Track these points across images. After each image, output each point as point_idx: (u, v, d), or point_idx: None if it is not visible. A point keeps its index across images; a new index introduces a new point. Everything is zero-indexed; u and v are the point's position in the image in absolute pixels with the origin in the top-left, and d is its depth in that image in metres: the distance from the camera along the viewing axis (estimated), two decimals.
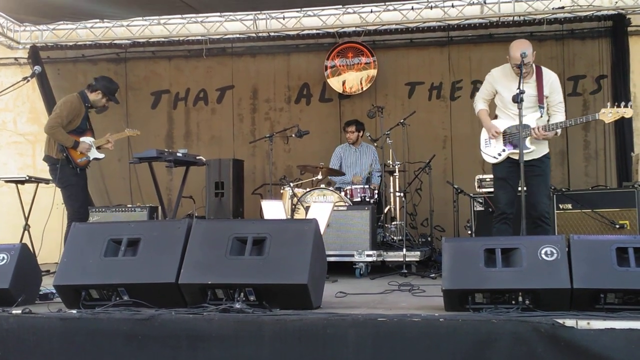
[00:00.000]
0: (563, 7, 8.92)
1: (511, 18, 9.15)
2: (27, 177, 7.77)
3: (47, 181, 7.15)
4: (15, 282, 4.34)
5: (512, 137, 5.74)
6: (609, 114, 5.55)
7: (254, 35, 9.87)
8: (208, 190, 9.07)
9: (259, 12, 9.51)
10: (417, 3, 9.18)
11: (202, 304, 3.95)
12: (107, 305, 4.03)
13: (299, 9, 9.39)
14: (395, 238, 7.58)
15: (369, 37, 9.72)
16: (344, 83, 9.74)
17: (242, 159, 9.58)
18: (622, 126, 8.71)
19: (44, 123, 7.34)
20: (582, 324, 3.38)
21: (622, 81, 8.85)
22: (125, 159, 9.53)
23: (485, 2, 9.10)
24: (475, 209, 7.42)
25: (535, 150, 5.69)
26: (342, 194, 7.45)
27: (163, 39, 10.03)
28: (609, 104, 5.66)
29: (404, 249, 6.80)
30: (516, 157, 5.60)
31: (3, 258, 4.43)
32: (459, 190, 7.81)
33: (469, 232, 7.46)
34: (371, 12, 9.39)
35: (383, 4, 9.19)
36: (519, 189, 5.53)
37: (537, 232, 5.58)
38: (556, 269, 3.79)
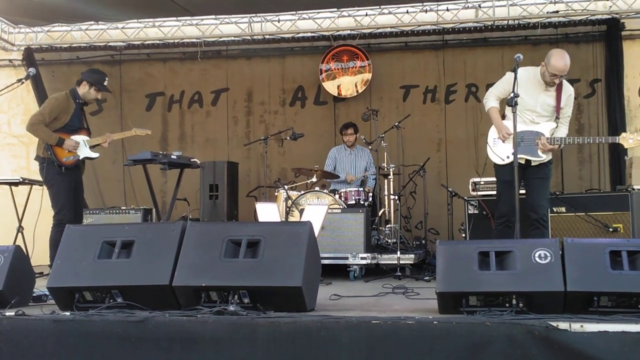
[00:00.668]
0: (557, 11, 8.95)
1: (506, 22, 9.18)
2: (21, 179, 7.75)
3: (40, 183, 7.07)
4: (8, 284, 4.32)
5: (524, 142, 5.65)
6: (629, 140, 5.57)
7: (249, 37, 9.87)
8: (202, 192, 9.07)
9: (254, 14, 9.53)
10: (412, 6, 9.20)
11: (196, 307, 3.95)
12: (100, 307, 4.03)
13: (294, 12, 9.40)
14: (389, 241, 7.59)
15: (364, 40, 9.74)
16: (339, 87, 9.75)
17: (237, 161, 9.58)
18: (616, 130, 8.72)
19: None
20: (576, 326, 3.39)
21: (616, 85, 8.89)
22: (119, 161, 9.53)
23: (479, 6, 9.13)
24: (469, 212, 7.42)
25: (544, 158, 5.71)
26: (337, 196, 7.46)
27: (158, 41, 10.02)
28: (628, 131, 5.65)
29: (398, 252, 6.81)
30: (522, 162, 5.64)
31: None
32: (453, 194, 7.82)
33: (463, 235, 7.47)
34: (366, 15, 9.41)
35: (378, 7, 9.21)
36: (521, 191, 5.55)
37: (535, 234, 5.57)
38: (550, 272, 3.80)
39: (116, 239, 4.30)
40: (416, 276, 6.66)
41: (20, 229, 7.64)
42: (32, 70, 6.49)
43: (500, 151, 5.80)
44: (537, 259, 3.86)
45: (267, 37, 9.86)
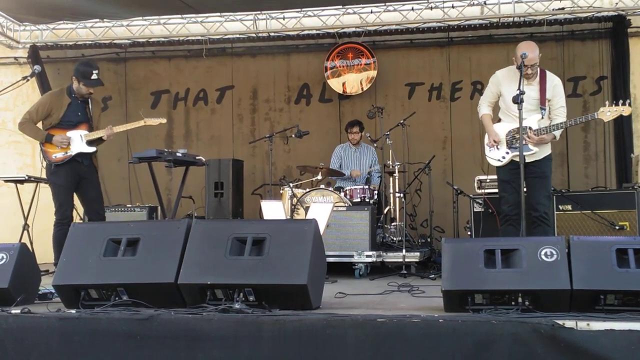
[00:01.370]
0: (563, 8, 8.92)
1: (511, 19, 9.15)
2: (27, 177, 7.77)
3: (46, 181, 7.06)
4: (14, 282, 4.34)
5: (515, 139, 5.74)
6: (607, 113, 5.57)
7: (254, 35, 9.86)
8: (207, 190, 9.07)
9: (259, 12, 9.51)
10: (417, 4, 9.17)
11: (202, 304, 3.95)
12: (106, 305, 4.03)
13: (299, 9, 9.38)
14: (394, 239, 7.58)
15: (369, 37, 9.72)
16: (344, 84, 9.74)
17: (242, 159, 9.58)
18: (622, 128, 8.72)
19: None
20: (582, 325, 3.38)
21: (622, 82, 8.85)
22: (124, 158, 9.54)
23: (485, 3, 9.09)
24: (474, 210, 7.41)
25: (537, 152, 5.71)
26: (342, 194, 7.45)
27: (163, 39, 10.02)
28: (607, 102, 5.66)
29: (404, 250, 6.80)
30: (518, 159, 5.64)
31: (2, 258, 4.42)
32: (459, 191, 7.81)
33: (469, 232, 7.46)
34: (371, 12, 9.38)
35: (383, 4, 9.18)
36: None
37: (537, 232, 5.59)
38: (556, 270, 3.80)
39: (121, 237, 4.31)
40: (422, 274, 6.64)
41: (26, 227, 7.66)
42: (37, 67, 6.49)
43: (495, 154, 5.90)
44: (543, 257, 3.86)
45: (272, 34, 9.85)
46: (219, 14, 9.59)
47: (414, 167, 8.52)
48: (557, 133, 5.74)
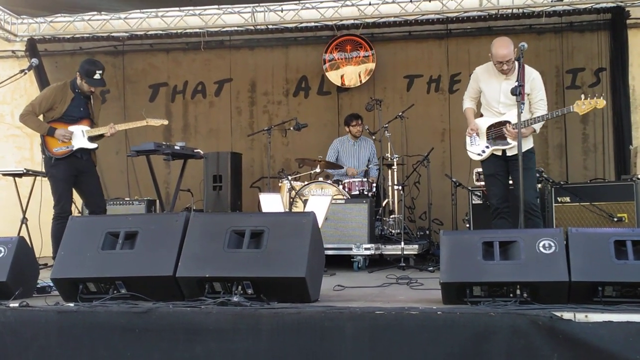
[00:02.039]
0: (562, 0, 8.90)
1: (510, 11, 9.13)
2: (25, 170, 7.76)
3: (44, 174, 7.05)
4: (12, 275, 4.33)
5: (494, 134, 5.79)
6: (582, 106, 5.59)
7: (252, 28, 9.84)
8: (206, 183, 9.06)
9: (257, 4, 9.48)
10: None
11: (200, 297, 3.95)
12: (104, 298, 4.03)
13: (297, 2, 9.36)
14: (393, 231, 7.58)
15: (368, 29, 9.70)
16: (342, 77, 9.73)
17: (240, 152, 9.57)
18: (621, 119, 8.72)
19: None
20: (580, 316, 3.38)
21: (620, 74, 8.84)
22: (122, 152, 9.53)
23: None
24: (473, 202, 7.42)
25: (516, 146, 5.71)
26: (340, 187, 7.45)
27: (161, 32, 9.99)
28: (582, 95, 5.65)
29: (402, 242, 6.80)
30: (499, 153, 5.79)
31: (0, 251, 4.42)
32: (457, 184, 7.82)
33: (467, 225, 7.46)
34: (369, 4, 9.35)
35: None
36: (510, 183, 5.65)
37: (527, 224, 5.59)
38: (554, 262, 3.79)
39: (120, 230, 4.30)
40: (420, 266, 6.65)
41: (24, 221, 7.66)
42: (34, 60, 6.46)
43: (475, 148, 5.96)
44: (541, 248, 3.85)
45: (270, 27, 9.82)
46: (216, 6, 9.55)
47: (413, 160, 8.51)
48: (537, 126, 5.75)
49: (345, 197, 7.23)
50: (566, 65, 9.11)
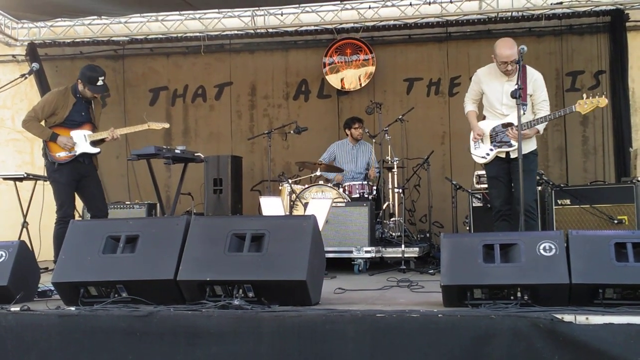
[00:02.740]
0: (561, 3, 8.92)
1: (509, 14, 9.15)
2: (25, 175, 7.77)
3: (45, 178, 7.05)
4: (13, 280, 4.33)
5: (498, 136, 5.78)
6: (585, 105, 5.57)
7: (252, 31, 9.86)
8: (206, 187, 9.07)
9: (257, 8, 9.51)
10: None
11: (201, 301, 3.94)
12: (105, 302, 4.03)
13: (297, 5, 9.38)
14: (393, 234, 7.59)
15: (367, 33, 9.72)
16: (342, 80, 9.74)
17: (241, 155, 9.58)
18: (621, 122, 8.73)
19: None
20: (581, 319, 3.39)
21: (620, 76, 8.85)
22: (123, 155, 9.53)
23: None
24: (473, 205, 7.42)
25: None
26: (341, 190, 7.45)
27: (161, 36, 10.03)
28: (584, 95, 5.64)
29: (403, 245, 6.80)
30: (503, 155, 5.77)
31: (1, 255, 4.41)
32: (458, 187, 7.82)
33: (468, 228, 7.46)
34: (369, 8, 9.38)
35: None
36: (512, 185, 5.67)
37: (524, 226, 5.59)
38: (555, 264, 3.79)
39: (120, 234, 4.30)
40: (421, 269, 6.65)
41: (25, 225, 7.66)
42: (35, 65, 6.46)
43: (480, 151, 5.95)
44: (541, 251, 3.85)
45: (270, 30, 9.85)
46: (217, 10, 9.59)
47: (413, 163, 8.53)
48: (541, 127, 5.76)
49: (345, 200, 7.23)
50: (566, 68, 9.12)
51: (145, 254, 4.19)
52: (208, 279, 4.02)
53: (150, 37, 10.05)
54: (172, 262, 4.10)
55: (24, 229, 7.63)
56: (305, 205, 6.80)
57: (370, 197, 7.63)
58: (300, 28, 9.79)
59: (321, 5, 9.40)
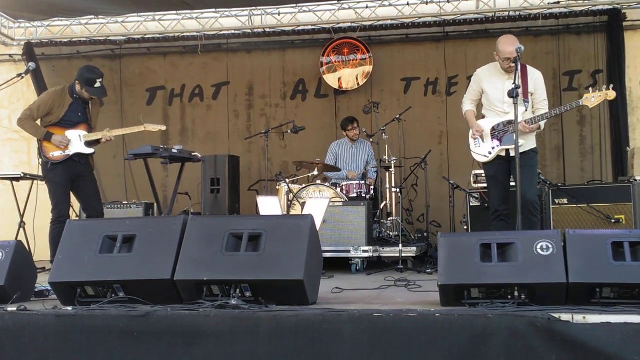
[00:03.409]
0: (559, 2, 8.94)
1: (507, 13, 9.16)
2: (22, 174, 7.76)
3: (42, 178, 7.03)
4: (10, 279, 4.32)
5: (499, 133, 5.77)
6: (592, 99, 5.56)
7: (249, 31, 9.86)
8: (204, 186, 9.07)
9: (254, 8, 9.51)
10: None
11: (198, 301, 3.94)
12: (102, 302, 4.02)
13: (295, 5, 9.38)
14: (391, 234, 7.59)
15: (365, 32, 9.72)
16: (339, 79, 9.74)
17: (238, 155, 9.58)
18: (618, 121, 8.74)
19: None
20: (578, 318, 3.38)
21: (617, 76, 8.85)
22: (120, 155, 9.53)
23: None
24: (471, 205, 7.43)
25: (523, 144, 5.70)
26: (338, 189, 7.45)
27: (158, 35, 10.02)
28: (591, 89, 5.64)
29: (400, 245, 6.80)
30: (504, 154, 5.77)
31: None
32: (455, 186, 7.82)
33: (465, 227, 7.47)
34: (366, 7, 9.39)
35: None
36: (511, 184, 5.65)
37: (525, 224, 5.59)
38: (552, 263, 3.79)
39: (117, 234, 4.29)
40: (418, 269, 6.65)
41: (22, 225, 7.65)
42: (32, 64, 6.45)
43: (481, 150, 5.93)
44: (539, 250, 3.85)
45: (267, 30, 9.85)
46: (214, 9, 9.59)
47: (410, 162, 8.53)
48: (542, 123, 5.76)
49: (343, 200, 7.23)
50: (563, 67, 9.14)
51: (143, 254, 4.18)
52: (205, 279, 4.01)
53: (147, 36, 10.05)
54: (169, 262, 4.09)
55: (21, 229, 7.62)
56: (303, 204, 6.79)
57: (367, 196, 7.63)
58: (297, 28, 9.79)
59: (318, 5, 9.41)
